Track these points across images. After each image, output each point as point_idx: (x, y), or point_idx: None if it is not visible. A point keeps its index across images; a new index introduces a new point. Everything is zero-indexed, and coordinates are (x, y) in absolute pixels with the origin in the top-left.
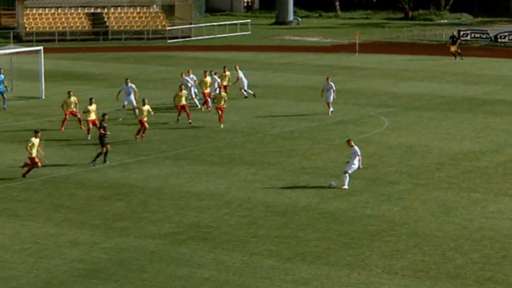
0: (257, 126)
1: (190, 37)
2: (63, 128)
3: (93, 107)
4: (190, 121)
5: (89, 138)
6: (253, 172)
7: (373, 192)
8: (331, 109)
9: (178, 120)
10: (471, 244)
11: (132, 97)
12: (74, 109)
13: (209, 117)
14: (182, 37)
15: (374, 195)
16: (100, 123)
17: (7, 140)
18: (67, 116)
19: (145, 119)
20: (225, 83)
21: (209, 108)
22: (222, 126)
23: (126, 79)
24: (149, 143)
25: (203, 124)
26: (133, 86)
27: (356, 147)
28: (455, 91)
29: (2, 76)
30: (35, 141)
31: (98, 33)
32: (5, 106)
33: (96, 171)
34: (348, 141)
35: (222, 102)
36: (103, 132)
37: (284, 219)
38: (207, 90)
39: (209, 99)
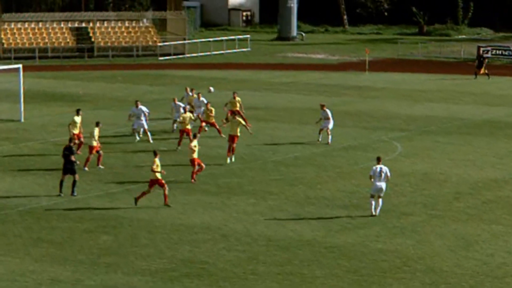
0: (258, 152)
1: (183, 54)
2: (79, 151)
3: (96, 132)
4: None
5: (86, 169)
6: (253, 202)
7: (385, 224)
8: (330, 137)
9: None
10: (493, 281)
11: (144, 120)
12: (80, 131)
13: (204, 141)
14: (175, 54)
15: (386, 227)
16: (66, 149)
17: None
18: (77, 140)
19: (195, 156)
20: (237, 108)
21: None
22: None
23: (136, 101)
24: (138, 170)
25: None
26: (144, 108)
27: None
28: (475, 113)
29: None
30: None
31: (83, 50)
32: None
33: (79, 201)
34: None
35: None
36: (74, 160)
37: (287, 254)
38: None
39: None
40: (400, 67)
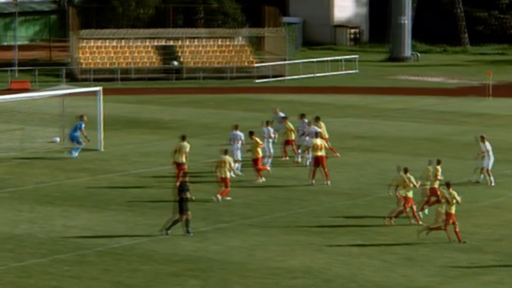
0: (365, 187)
1: (283, 76)
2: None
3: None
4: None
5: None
6: (360, 243)
7: (510, 271)
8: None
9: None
10: None
11: (238, 147)
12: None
13: (304, 174)
14: (273, 76)
15: (511, 274)
16: (181, 184)
17: (57, 202)
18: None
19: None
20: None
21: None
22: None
23: (236, 126)
24: (231, 207)
25: (297, 183)
26: (241, 134)
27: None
28: None
29: (83, 124)
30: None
31: (170, 71)
32: (75, 155)
33: (165, 241)
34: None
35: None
36: (187, 196)
37: None
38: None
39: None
40: None
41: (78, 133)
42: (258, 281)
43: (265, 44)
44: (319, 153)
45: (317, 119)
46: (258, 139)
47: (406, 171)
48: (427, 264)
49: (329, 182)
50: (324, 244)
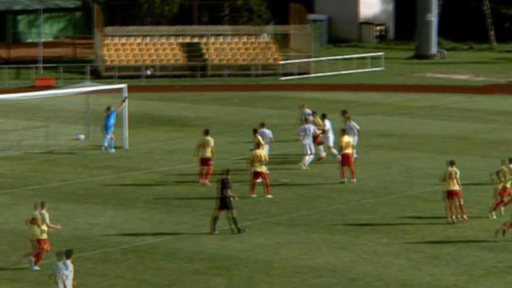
0: (391, 185)
1: (308, 73)
2: (207, 181)
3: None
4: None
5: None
6: (386, 242)
7: None
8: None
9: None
10: None
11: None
12: (209, 154)
13: (330, 172)
14: (298, 74)
15: None
16: (223, 181)
17: (81, 199)
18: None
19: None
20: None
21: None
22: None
23: (263, 123)
24: (256, 205)
25: (323, 181)
26: (268, 132)
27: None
28: None
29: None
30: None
31: (195, 68)
32: (113, 151)
33: (189, 239)
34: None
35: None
36: (229, 194)
37: None
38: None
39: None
40: None
41: (112, 122)
42: (283, 279)
43: (290, 41)
44: (347, 151)
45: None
46: (260, 138)
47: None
48: (453, 262)
49: (355, 180)
50: (349, 242)
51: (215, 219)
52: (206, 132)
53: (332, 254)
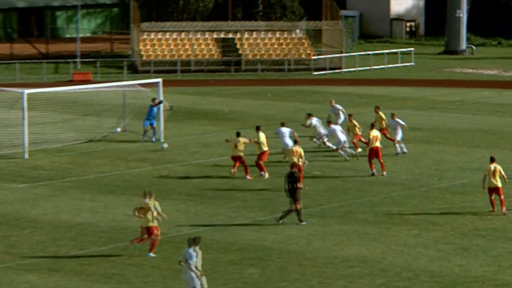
0: (421, 178)
1: (340, 68)
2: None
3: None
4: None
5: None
6: (415, 233)
7: None
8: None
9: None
10: None
11: (287, 140)
12: (241, 153)
13: (361, 165)
14: (330, 69)
15: None
16: (291, 174)
17: (117, 191)
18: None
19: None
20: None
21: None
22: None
23: (282, 123)
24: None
25: (354, 173)
26: (290, 130)
27: None
28: None
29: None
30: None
31: (229, 63)
32: (165, 146)
33: (224, 230)
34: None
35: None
36: (300, 186)
37: None
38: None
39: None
40: None
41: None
42: (315, 270)
43: (322, 37)
44: (376, 145)
45: (377, 108)
46: (261, 135)
47: None
48: (482, 254)
49: (385, 173)
50: (380, 233)
51: (289, 212)
52: (238, 134)
53: (363, 245)
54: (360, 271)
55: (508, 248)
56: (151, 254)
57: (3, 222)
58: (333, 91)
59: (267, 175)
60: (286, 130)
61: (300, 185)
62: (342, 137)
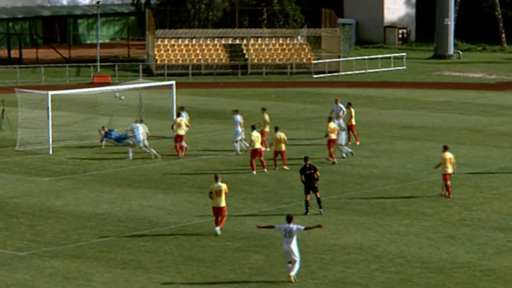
0: (412, 172)
1: (338, 71)
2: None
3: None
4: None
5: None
6: (407, 223)
7: None
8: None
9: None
10: None
11: (239, 128)
12: (262, 146)
13: (357, 161)
14: (329, 72)
15: None
16: (307, 168)
17: (134, 184)
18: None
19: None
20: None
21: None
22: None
23: (235, 110)
24: (291, 190)
25: (351, 168)
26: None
27: None
28: None
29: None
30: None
31: (236, 67)
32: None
33: (231, 220)
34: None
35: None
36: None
37: (441, 277)
38: None
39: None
40: None
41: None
42: (315, 256)
43: (322, 43)
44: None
45: (348, 105)
46: (256, 133)
47: None
48: (468, 242)
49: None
50: (374, 223)
51: (306, 203)
52: (253, 128)
53: (359, 234)
54: (356, 258)
55: (492, 236)
56: (218, 230)
57: (30, 212)
58: (331, 92)
59: (254, 172)
60: (240, 118)
61: (318, 175)
62: (340, 138)
